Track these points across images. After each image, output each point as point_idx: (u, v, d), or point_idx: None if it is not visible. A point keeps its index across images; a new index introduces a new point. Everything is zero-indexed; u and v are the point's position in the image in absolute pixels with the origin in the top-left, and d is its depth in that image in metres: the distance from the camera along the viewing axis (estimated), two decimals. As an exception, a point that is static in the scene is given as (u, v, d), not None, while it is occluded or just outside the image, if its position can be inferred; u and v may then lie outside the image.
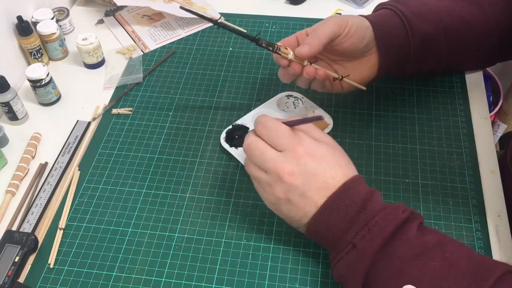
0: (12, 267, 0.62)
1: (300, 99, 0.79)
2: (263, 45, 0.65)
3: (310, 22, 0.95)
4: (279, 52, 0.65)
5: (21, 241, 0.64)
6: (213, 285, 0.61)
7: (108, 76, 0.87)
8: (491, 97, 1.45)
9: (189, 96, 0.83)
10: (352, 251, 0.53)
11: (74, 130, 0.79)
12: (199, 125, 0.79)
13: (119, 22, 0.98)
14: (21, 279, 0.63)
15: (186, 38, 0.94)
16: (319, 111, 0.77)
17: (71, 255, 0.65)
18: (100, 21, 0.99)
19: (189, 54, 0.91)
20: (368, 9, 0.98)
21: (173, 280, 0.62)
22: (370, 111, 0.79)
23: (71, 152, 0.76)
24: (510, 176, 0.68)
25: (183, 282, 0.62)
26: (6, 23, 0.84)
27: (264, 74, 0.86)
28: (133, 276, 0.62)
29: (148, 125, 0.79)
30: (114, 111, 0.81)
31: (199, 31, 0.95)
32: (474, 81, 0.83)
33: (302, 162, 0.55)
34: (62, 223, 0.67)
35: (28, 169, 0.74)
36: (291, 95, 0.80)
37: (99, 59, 0.89)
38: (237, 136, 0.76)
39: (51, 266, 0.64)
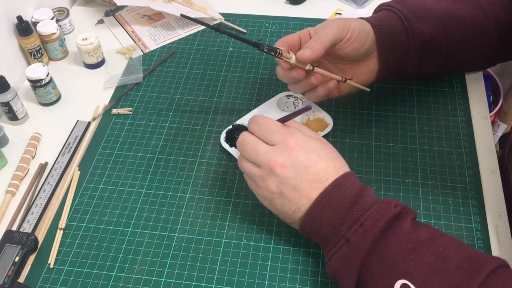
0: (12, 267, 0.62)
1: (300, 99, 0.79)
2: (265, 50, 0.64)
3: (310, 22, 0.95)
4: (281, 57, 0.64)
5: (21, 241, 0.64)
6: (213, 285, 0.61)
7: (108, 76, 0.87)
8: (491, 97, 1.45)
9: (189, 96, 0.83)
10: (345, 246, 0.53)
11: (74, 130, 0.79)
12: (199, 125, 0.79)
13: (119, 22, 0.98)
14: (21, 279, 0.63)
15: (186, 38, 0.94)
16: (319, 111, 0.77)
17: (71, 255, 0.65)
18: (100, 21, 0.99)
19: (189, 54, 0.91)
20: (368, 9, 0.98)
21: (173, 280, 0.62)
22: (370, 111, 0.79)
23: (71, 152, 0.76)
24: (510, 175, 0.68)
25: (183, 282, 0.62)
26: (6, 23, 0.84)
27: (264, 74, 0.86)
28: (133, 276, 0.62)
29: (148, 125, 0.79)
30: (114, 111, 0.81)
31: (199, 31, 0.95)
32: (474, 81, 0.83)
33: (294, 154, 0.56)
34: (62, 223, 0.67)
35: (28, 169, 0.74)
36: (291, 95, 0.80)
37: (99, 59, 0.89)
38: (237, 136, 0.75)
39: (51, 266, 0.64)
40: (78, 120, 0.81)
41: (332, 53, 0.68)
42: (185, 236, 0.66)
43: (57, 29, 0.88)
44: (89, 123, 0.80)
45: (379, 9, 0.76)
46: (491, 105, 1.43)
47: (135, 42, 0.94)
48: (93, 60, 0.88)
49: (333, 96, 0.74)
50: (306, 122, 0.76)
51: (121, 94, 0.84)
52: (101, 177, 0.73)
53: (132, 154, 0.75)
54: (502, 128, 1.47)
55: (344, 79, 0.70)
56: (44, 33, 0.87)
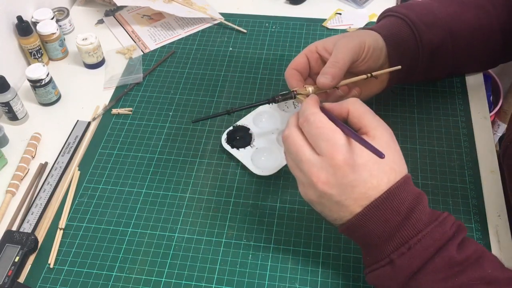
0: (12, 267, 0.62)
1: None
2: (280, 100, 0.61)
3: (310, 22, 0.95)
4: (298, 97, 0.61)
5: (21, 241, 0.64)
6: (213, 285, 0.61)
7: (108, 76, 0.87)
8: (491, 97, 1.45)
9: (189, 96, 0.83)
10: (387, 266, 0.50)
11: (74, 130, 0.79)
12: (199, 125, 0.79)
13: (119, 22, 0.98)
14: (21, 279, 0.63)
15: (186, 38, 0.94)
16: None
17: (71, 255, 0.65)
18: (100, 21, 0.99)
19: (189, 54, 0.91)
20: (368, 9, 0.98)
21: (173, 280, 0.62)
22: (370, 111, 0.79)
23: (71, 152, 0.76)
24: (509, 175, 0.68)
25: (183, 282, 0.62)
26: (6, 23, 0.84)
27: (264, 74, 0.86)
28: (133, 276, 0.62)
29: (148, 125, 0.79)
30: (114, 111, 0.81)
31: (199, 31, 0.95)
32: (474, 81, 0.83)
33: (340, 173, 0.49)
34: (62, 223, 0.67)
35: (28, 169, 0.74)
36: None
37: (99, 59, 0.89)
38: (238, 137, 0.75)
39: (51, 266, 0.64)
40: (78, 120, 0.81)
41: (345, 72, 0.64)
42: (185, 236, 0.66)
43: (57, 29, 0.88)
44: (89, 123, 0.80)
45: (386, 14, 0.74)
46: (491, 105, 1.43)
47: (135, 42, 0.94)
48: (93, 60, 0.88)
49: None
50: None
51: (121, 94, 0.84)
52: (101, 177, 0.73)
53: (132, 154, 0.75)
54: (502, 128, 1.47)
55: (370, 75, 0.65)
56: (44, 33, 0.87)
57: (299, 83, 0.63)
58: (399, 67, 0.66)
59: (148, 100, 0.83)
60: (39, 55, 0.88)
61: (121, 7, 1.00)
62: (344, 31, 0.93)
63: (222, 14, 0.98)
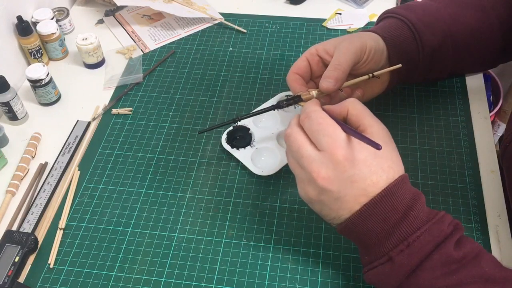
0: (12, 267, 0.62)
1: (300, 99, 0.79)
2: (285, 105, 0.61)
3: (310, 22, 0.95)
4: (302, 103, 0.61)
5: (21, 241, 0.64)
6: (213, 285, 0.61)
7: (108, 76, 0.87)
8: (491, 97, 1.45)
9: (189, 96, 0.83)
10: (387, 263, 0.51)
11: (74, 130, 0.79)
12: (199, 125, 0.79)
13: (119, 22, 0.98)
14: (21, 279, 0.63)
15: (186, 38, 0.94)
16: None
17: (71, 255, 0.65)
18: (100, 21, 0.99)
19: (189, 54, 0.91)
20: (368, 9, 0.98)
21: (173, 280, 0.62)
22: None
23: (71, 152, 0.76)
24: (509, 175, 0.68)
25: (183, 282, 0.62)
26: (6, 23, 0.84)
27: (264, 74, 0.86)
28: (133, 276, 0.62)
29: (148, 125, 0.79)
30: (114, 111, 0.81)
31: (199, 31, 0.95)
32: (474, 81, 0.83)
33: (340, 168, 0.50)
34: (62, 223, 0.67)
35: (28, 169, 0.74)
36: (291, 95, 0.80)
37: (99, 59, 0.89)
38: (238, 137, 0.75)
39: (51, 266, 0.64)
40: (78, 120, 0.81)
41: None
42: (185, 236, 0.66)
43: (57, 29, 0.88)
44: (89, 123, 0.80)
45: (385, 16, 0.74)
46: (491, 105, 1.43)
47: (135, 42, 0.94)
48: (93, 60, 0.88)
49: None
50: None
51: (121, 94, 0.84)
52: (101, 177, 0.73)
53: (132, 154, 0.75)
54: (502, 128, 1.47)
55: (372, 75, 0.66)
56: (44, 33, 0.87)
57: (302, 87, 0.63)
58: (400, 65, 0.67)
59: (148, 100, 0.83)
60: (39, 55, 0.88)
61: (121, 7, 1.00)
62: (344, 31, 0.93)
63: (222, 14, 0.98)
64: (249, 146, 0.74)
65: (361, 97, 0.66)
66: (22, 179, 0.73)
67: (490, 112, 1.35)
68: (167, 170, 0.73)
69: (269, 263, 0.63)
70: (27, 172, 0.74)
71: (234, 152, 0.73)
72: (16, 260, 0.63)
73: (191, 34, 0.95)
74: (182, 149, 0.76)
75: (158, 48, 0.92)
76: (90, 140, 0.78)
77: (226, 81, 0.85)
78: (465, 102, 0.80)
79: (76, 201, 0.70)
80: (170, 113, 0.81)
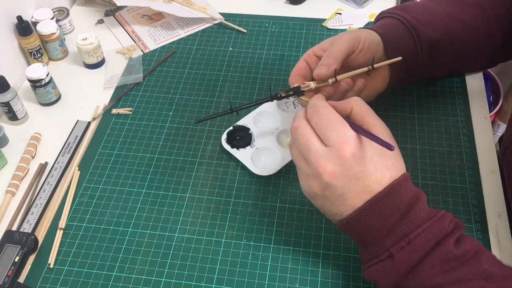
0: (12, 267, 0.62)
1: (300, 99, 0.79)
2: (283, 96, 0.61)
3: (310, 22, 0.95)
4: (302, 98, 0.61)
5: (21, 241, 0.64)
6: (213, 285, 0.61)
7: (108, 76, 0.87)
8: (491, 97, 1.45)
9: (189, 96, 0.83)
10: (387, 260, 0.51)
11: (74, 130, 0.79)
12: (199, 125, 0.79)
13: (119, 22, 0.98)
14: (21, 279, 0.63)
15: (186, 38, 0.94)
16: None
17: (71, 255, 0.65)
18: (100, 21, 0.99)
19: (189, 54, 0.91)
20: (368, 9, 0.98)
21: (173, 280, 0.62)
22: (370, 111, 0.79)
23: (71, 152, 0.76)
24: (509, 175, 0.68)
25: (183, 282, 0.62)
26: (6, 23, 0.84)
27: (264, 74, 0.86)
28: (133, 276, 0.62)
29: (148, 125, 0.79)
30: (114, 111, 0.81)
31: (199, 31, 0.95)
32: (474, 81, 0.83)
33: (347, 165, 0.50)
34: (62, 223, 0.67)
35: (28, 169, 0.74)
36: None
37: (99, 59, 0.89)
38: (238, 137, 0.75)
39: (51, 266, 0.64)
40: (78, 120, 0.81)
41: (344, 65, 0.66)
42: (185, 236, 0.66)
43: (57, 29, 0.88)
44: (89, 123, 0.80)
45: (381, 16, 0.75)
46: (491, 105, 1.43)
47: (135, 42, 0.94)
48: (93, 60, 0.88)
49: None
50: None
51: (121, 94, 0.84)
52: (101, 177, 0.73)
53: (132, 154, 0.75)
54: (502, 128, 1.47)
55: (372, 66, 0.66)
56: (44, 33, 0.87)
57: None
58: (400, 58, 0.67)
59: (148, 100, 0.83)
60: (39, 55, 0.88)
61: (121, 7, 1.00)
62: (344, 31, 0.93)
63: (222, 14, 0.98)
64: (249, 146, 0.74)
65: (363, 88, 0.67)
66: (22, 179, 0.73)
67: (490, 112, 1.35)
68: (167, 170, 0.73)
69: (269, 263, 0.63)
70: (27, 172, 0.74)
71: (234, 152, 0.73)
72: (16, 260, 0.63)
73: (191, 34, 0.95)
74: (182, 149, 0.76)
75: (158, 48, 0.92)
76: (90, 140, 0.78)
77: (226, 81, 0.85)
78: (465, 102, 0.80)
79: (76, 201, 0.70)
80: (170, 113, 0.81)
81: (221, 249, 0.64)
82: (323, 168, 0.51)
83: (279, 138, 0.75)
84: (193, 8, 0.97)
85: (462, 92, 0.81)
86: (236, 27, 0.95)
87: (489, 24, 0.73)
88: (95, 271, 0.63)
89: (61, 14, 0.95)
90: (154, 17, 0.99)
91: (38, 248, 0.66)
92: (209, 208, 0.69)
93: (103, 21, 0.99)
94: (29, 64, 0.89)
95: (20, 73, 0.87)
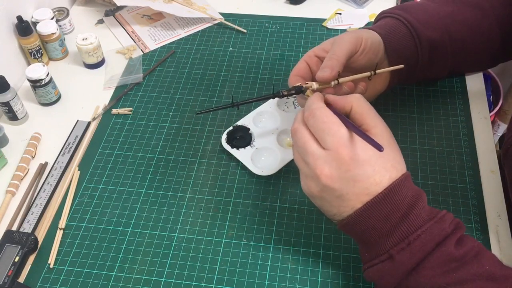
0: (12, 267, 0.62)
1: (300, 99, 0.79)
2: (286, 94, 0.61)
3: (310, 22, 0.95)
4: (303, 91, 0.61)
5: (21, 241, 0.64)
6: (213, 285, 0.61)
7: (108, 76, 0.87)
8: (491, 97, 1.45)
9: (189, 96, 0.83)
10: (387, 261, 0.51)
11: (74, 130, 0.79)
12: (199, 125, 0.79)
13: (119, 22, 0.98)
14: (21, 279, 0.63)
15: (186, 38, 0.94)
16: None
17: (71, 255, 0.65)
18: (100, 21, 0.99)
19: (189, 54, 0.91)
20: (368, 9, 0.98)
21: (173, 280, 0.62)
22: (370, 111, 0.79)
23: (71, 152, 0.76)
24: (511, 177, 0.68)
25: (183, 282, 0.62)
26: (6, 23, 0.84)
27: (264, 74, 0.86)
28: (133, 276, 0.62)
29: (148, 125, 0.79)
30: (114, 111, 0.81)
31: (199, 31, 0.95)
32: (474, 81, 0.83)
33: (344, 167, 0.50)
34: (62, 223, 0.67)
35: (28, 169, 0.74)
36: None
37: (99, 59, 0.89)
38: (238, 137, 0.75)
39: (51, 266, 0.64)
40: (78, 120, 0.81)
41: (346, 66, 0.65)
42: (185, 236, 0.66)
43: (57, 29, 0.88)
44: (89, 123, 0.80)
45: (381, 16, 0.75)
46: (491, 105, 1.43)
47: (135, 42, 0.94)
48: (93, 60, 0.88)
49: None
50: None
51: (121, 94, 0.84)
52: (101, 177, 0.73)
53: (132, 154, 0.75)
54: (502, 128, 1.47)
55: (374, 72, 0.65)
56: (44, 33, 0.87)
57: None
58: (402, 66, 0.67)
59: (148, 100, 0.83)
60: (39, 55, 0.88)
61: (121, 7, 1.00)
62: (344, 31, 0.93)
63: (222, 14, 0.98)
64: (249, 146, 0.74)
65: (364, 92, 0.66)
66: (22, 179, 0.73)
67: (490, 112, 1.35)
68: (167, 170, 0.73)
69: (269, 263, 0.63)
70: (27, 172, 0.74)
71: (234, 152, 0.73)
72: (16, 260, 0.63)
73: (191, 34, 0.95)
74: (182, 149, 0.76)
75: (158, 48, 0.92)
76: (90, 140, 0.78)
77: (226, 81, 0.85)
78: (465, 102, 0.80)
79: (76, 201, 0.70)
80: (170, 113, 0.81)
81: (221, 249, 0.64)
82: (320, 171, 0.51)
83: (279, 138, 0.75)
84: (193, 8, 0.97)
85: (462, 92, 0.81)
86: (236, 27, 0.95)
87: (489, 24, 0.73)
88: (95, 271, 0.63)
89: (61, 14, 0.95)
90: (154, 17, 0.99)
91: (38, 248, 0.66)
92: (209, 208, 0.69)
93: (103, 21, 0.99)
94: (29, 64, 0.89)
95: (20, 73, 0.87)
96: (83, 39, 0.86)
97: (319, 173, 0.51)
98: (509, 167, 0.65)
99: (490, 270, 0.49)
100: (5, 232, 0.66)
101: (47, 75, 0.80)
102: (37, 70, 0.79)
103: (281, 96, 0.61)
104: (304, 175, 0.54)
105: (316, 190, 0.53)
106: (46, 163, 0.75)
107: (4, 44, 0.84)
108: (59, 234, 0.67)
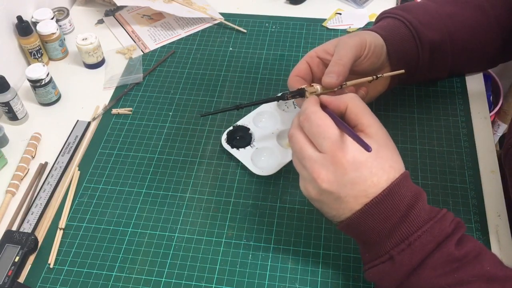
0: (12, 267, 0.62)
1: (300, 99, 0.79)
2: (290, 97, 0.60)
3: (310, 22, 0.95)
4: (307, 95, 0.60)
5: (21, 241, 0.64)
6: (213, 285, 0.61)
7: (108, 76, 0.87)
8: (491, 97, 1.45)
9: (189, 96, 0.83)
10: (388, 262, 0.51)
11: (74, 130, 0.79)
12: (199, 125, 0.79)
13: (119, 22, 0.98)
14: (21, 279, 0.63)
15: (186, 38, 0.94)
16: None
17: (71, 255, 0.65)
18: (100, 21, 0.99)
19: (189, 54, 0.91)
20: (368, 9, 0.98)
21: (173, 280, 0.62)
22: (370, 111, 0.79)
23: (71, 152, 0.76)
24: (510, 175, 0.68)
25: (183, 282, 0.62)
26: (6, 23, 0.84)
27: (264, 74, 0.86)
28: (133, 276, 0.62)
29: (148, 125, 0.79)
30: (114, 111, 0.81)
31: (199, 31, 0.95)
32: (474, 81, 0.83)
33: (340, 171, 0.50)
34: (62, 223, 0.67)
35: (28, 169, 0.74)
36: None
37: (99, 59, 0.89)
38: (238, 137, 0.75)
39: (51, 266, 0.64)
40: (78, 120, 0.81)
41: (350, 70, 0.64)
42: (185, 236, 0.66)
43: (57, 29, 0.88)
44: (89, 123, 0.80)
45: (382, 17, 0.74)
46: (491, 105, 1.43)
47: (135, 42, 0.94)
48: (93, 60, 0.88)
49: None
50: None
51: (121, 94, 0.84)
52: (101, 177, 0.73)
53: (132, 154, 0.75)
54: (502, 128, 1.47)
55: (376, 77, 0.64)
56: (44, 33, 0.87)
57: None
58: (403, 71, 0.66)
59: (148, 100, 0.83)
60: (39, 55, 0.88)
61: (121, 7, 1.00)
62: (344, 31, 0.93)
63: (222, 14, 0.98)
64: (249, 146, 0.74)
65: (365, 96, 0.66)
66: (22, 179, 0.73)
67: (490, 112, 1.35)
68: (167, 170, 0.73)
69: (269, 263, 0.63)
70: (27, 172, 0.74)
71: (234, 152, 0.73)
72: (16, 260, 0.63)
73: (191, 34, 0.95)
74: (182, 149, 0.76)
75: (158, 48, 0.92)
76: (90, 140, 0.78)
77: (226, 81, 0.85)
78: (465, 102, 0.80)
79: (76, 201, 0.70)
80: (170, 113, 0.81)
81: (221, 249, 0.64)
82: (318, 174, 0.51)
83: (279, 138, 0.75)
84: (193, 8, 0.97)
85: (462, 92, 0.81)
86: (236, 27, 0.95)
87: (489, 24, 0.73)
88: (95, 271, 0.63)
89: (61, 14, 0.95)
90: (154, 17, 0.99)
91: (38, 248, 0.66)
92: (209, 208, 0.69)
93: (103, 21, 0.99)
94: (29, 64, 0.89)
95: (20, 73, 0.87)
96: (83, 39, 0.86)
97: (316, 176, 0.51)
98: (509, 167, 0.65)
99: (491, 271, 0.49)
100: (5, 232, 0.66)
101: (47, 75, 0.80)
102: (37, 70, 0.79)
103: (286, 99, 0.61)
104: (302, 178, 0.54)
105: (315, 193, 0.53)
106: (46, 163, 0.75)
107: (4, 44, 0.84)
108: (59, 234, 0.67)
